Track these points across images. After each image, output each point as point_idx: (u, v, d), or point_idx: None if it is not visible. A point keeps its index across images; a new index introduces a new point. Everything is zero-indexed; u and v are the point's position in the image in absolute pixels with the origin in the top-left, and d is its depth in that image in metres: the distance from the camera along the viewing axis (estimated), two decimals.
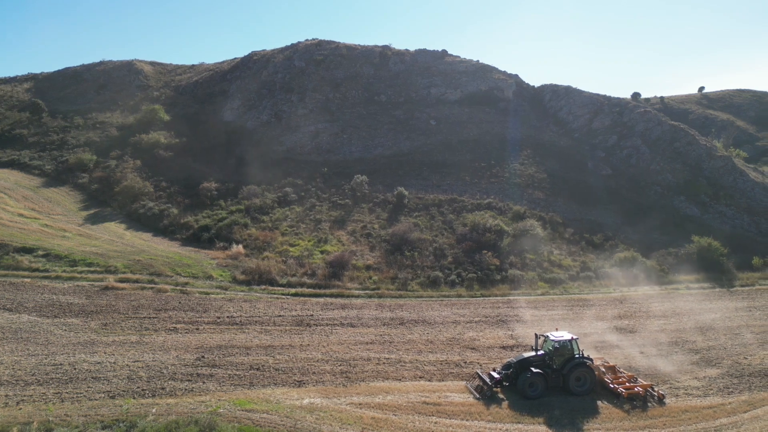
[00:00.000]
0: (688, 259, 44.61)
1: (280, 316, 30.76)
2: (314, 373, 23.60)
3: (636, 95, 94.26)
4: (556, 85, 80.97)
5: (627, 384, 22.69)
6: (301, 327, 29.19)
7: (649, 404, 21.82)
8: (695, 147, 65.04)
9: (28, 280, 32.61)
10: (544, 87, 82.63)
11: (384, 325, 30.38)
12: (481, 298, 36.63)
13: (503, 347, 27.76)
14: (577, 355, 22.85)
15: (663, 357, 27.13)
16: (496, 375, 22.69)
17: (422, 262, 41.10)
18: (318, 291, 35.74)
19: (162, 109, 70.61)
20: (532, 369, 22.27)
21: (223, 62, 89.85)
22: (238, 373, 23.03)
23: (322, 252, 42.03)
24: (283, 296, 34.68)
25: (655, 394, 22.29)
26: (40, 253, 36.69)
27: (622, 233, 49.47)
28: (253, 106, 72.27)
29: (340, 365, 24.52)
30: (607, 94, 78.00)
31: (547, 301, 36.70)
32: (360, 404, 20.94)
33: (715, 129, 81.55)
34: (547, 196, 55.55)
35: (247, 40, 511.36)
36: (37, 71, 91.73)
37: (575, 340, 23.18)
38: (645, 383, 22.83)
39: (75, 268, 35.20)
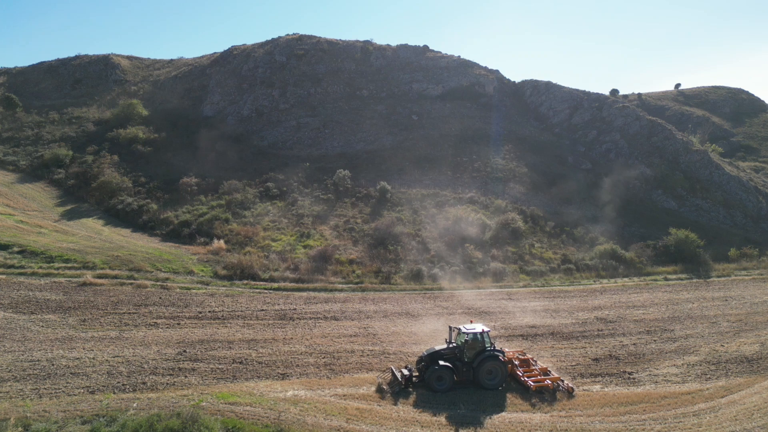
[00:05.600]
0: (665, 251, 45.39)
1: (262, 310, 30.54)
2: (298, 365, 23.48)
3: (614, 92, 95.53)
4: (536, 81, 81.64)
5: (537, 377, 22.46)
6: (284, 321, 29.02)
7: (558, 397, 21.56)
8: (672, 142, 66.19)
9: (3, 276, 31.81)
10: (524, 82, 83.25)
11: (368, 318, 30.37)
12: (464, 291, 36.79)
13: None
14: (488, 348, 22.36)
15: (642, 345, 27.62)
16: (405, 372, 22.04)
17: (405, 255, 41.19)
18: (301, 285, 35.57)
19: (140, 103, 69.56)
20: (440, 362, 21.70)
21: (202, 57, 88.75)
22: (220, 366, 22.81)
23: (304, 247, 41.85)
24: (266, 291, 34.42)
25: (565, 387, 22.03)
26: (16, 249, 35.84)
27: (601, 226, 50.10)
28: (233, 101, 71.57)
29: (324, 358, 24.44)
30: (587, 90, 78.98)
31: (529, 293, 37.05)
32: (344, 395, 20.91)
33: (691, 125, 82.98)
34: (528, 190, 56.04)
35: (227, 34, 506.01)
36: (11, 65, 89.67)
37: (486, 332, 22.57)
38: (555, 376, 22.59)
39: (51, 264, 34.45)
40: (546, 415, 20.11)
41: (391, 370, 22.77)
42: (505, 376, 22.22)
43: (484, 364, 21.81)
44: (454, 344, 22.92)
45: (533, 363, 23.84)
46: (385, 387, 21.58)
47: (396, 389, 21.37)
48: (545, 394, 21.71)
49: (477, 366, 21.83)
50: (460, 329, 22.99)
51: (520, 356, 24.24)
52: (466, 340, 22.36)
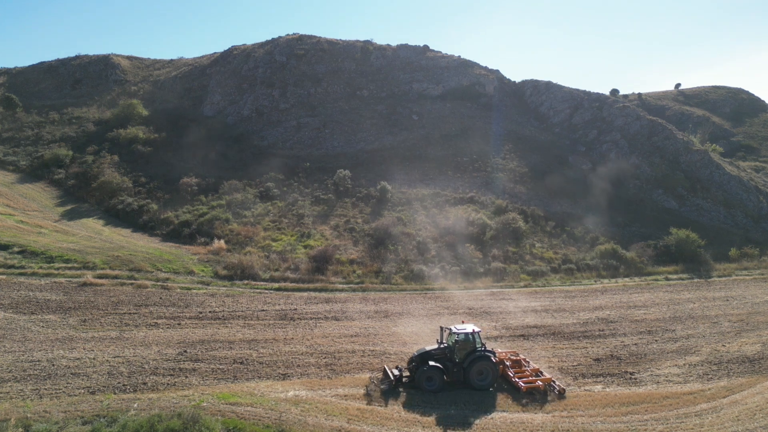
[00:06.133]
0: (666, 251, 45.31)
1: (263, 310, 30.50)
2: (299, 366, 23.42)
3: (614, 91, 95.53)
4: (536, 81, 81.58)
5: (528, 378, 22.18)
6: (284, 321, 28.98)
7: (549, 398, 21.26)
8: (673, 141, 66.10)
9: (4, 276, 31.77)
10: (525, 82, 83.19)
11: (368, 318, 30.32)
12: (465, 291, 36.76)
13: (487, 338, 27.81)
14: (479, 348, 22.04)
15: (643, 345, 27.56)
16: (396, 372, 21.86)
17: (406, 255, 41.12)
18: (301, 285, 35.53)
19: (140, 103, 69.61)
20: (430, 362, 21.43)
21: (202, 57, 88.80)
22: (221, 367, 22.75)
23: (305, 247, 41.80)
24: (266, 291, 34.39)
25: (556, 388, 21.69)
26: (16, 249, 35.79)
27: (602, 226, 50.07)
28: (233, 101, 71.54)
29: (325, 358, 24.38)
30: (587, 90, 78.90)
31: (530, 293, 36.99)
32: (345, 396, 20.84)
33: (691, 125, 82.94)
34: (528, 190, 56.01)
35: (227, 34, 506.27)
36: (11, 66, 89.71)
37: (477, 333, 22.31)
38: (546, 377, 22.26)
39: (52, 264, 34.40)
40: (548, 415, 20.04)
41: (384, 369, 22.64)
42: (496, 376, 21.99)
43: (475, 365, 21.58)
44: (445, 344, 22.71)
45: (525, 364, 23.58)
46: (374, 384, 21.41)
47: (386, 388, 21.16)
48: (536, 395, 21.49)
49: (467, 366, 21.61)
50: (451, 329, 22.76)
51: (513, 357, 24.01)
52: (456, 340, 22.12)
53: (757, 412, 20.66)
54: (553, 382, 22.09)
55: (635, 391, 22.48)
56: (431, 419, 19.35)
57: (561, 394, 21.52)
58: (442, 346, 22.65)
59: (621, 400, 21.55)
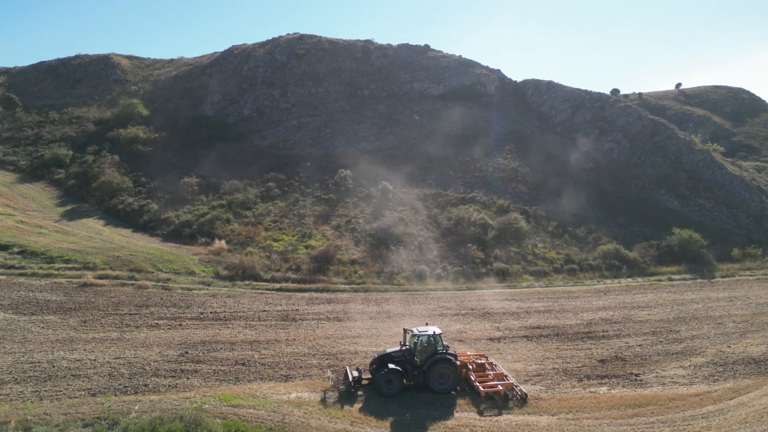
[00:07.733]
0: (669, 251, 45.11)
1: (264, 311, 30.32)
2: (301, 367, 23.23)
3: (615, 91, 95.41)
4: (538, 80, 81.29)
5: (490, 382, 21.68)
6: (286, 322, 28.80)
7: (510, 404, 20.74)
8: (675, 141, 65.86)
9: (4, 277, 31.60)
10: (526, 82, 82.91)
11: (370, 318, 30.14)
12: (467, 291, 36.60)
13: (490, 339, 27.74)
14: (440, 351, 21.51)
15: (648, 347, 27.36)
16: (355, 373, 21.33)
17: (407, 256, 40.93)
18: (303, 286, 35.37)
19: (140, 103, 69.46)
20: (389, 365, 20.96)
21: (202, 56, 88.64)
22: (223, 368, 22.56)
23: (306, 247, 41.60)
24: (268, 291, 34.23)
25: (518, 393, 21.17)
26: (16, 250, 35.64)
27: (604, 226, 49.90)
28: (234, 101, 71.34)
29: (327, 359, 24.19)
30: (588, 89, 78.62)
31: (532, 294, 36.81)
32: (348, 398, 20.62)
33: (692, 124, 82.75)
34: (530, 190, 55.81)
35: (227, 34, 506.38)
36: (11, 65, 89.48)
37: (438, 335, 21.85)
38: (508, 382, 21.70)
39: (52, 264, 34.24)
40: (553, 417, 19.81)
41: (346, 370, 22.16)
42: (457, 380, 21.44)
43: (435, 368, 21.06)
44: (407, 347, 22.23)
45: (489, 368, 23.09)
46: (329, 385, 21.06)
47: (344, 389, 20.72)
48: (497, 400, 21.03)
49: (428, 369, 21.12)
50: (412, 331, 22.27)
51: (478, 360, 23.55)
52: (416, 342, 21.70)
53: (764, 414, 20.42)
54: (515, 387, 21.52)
55: (641, 393, 22.25)
56: (438, 423, 19.12)
57: (523, 400, 20.98)
58: (403, 348, 22.22)
59: (627, 402, 21.31)
